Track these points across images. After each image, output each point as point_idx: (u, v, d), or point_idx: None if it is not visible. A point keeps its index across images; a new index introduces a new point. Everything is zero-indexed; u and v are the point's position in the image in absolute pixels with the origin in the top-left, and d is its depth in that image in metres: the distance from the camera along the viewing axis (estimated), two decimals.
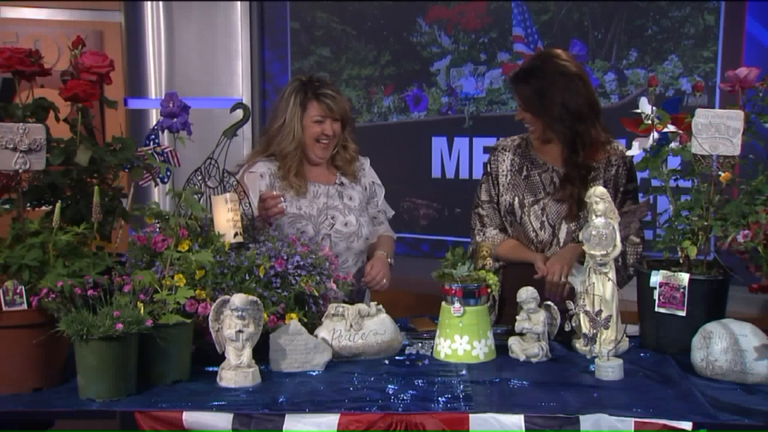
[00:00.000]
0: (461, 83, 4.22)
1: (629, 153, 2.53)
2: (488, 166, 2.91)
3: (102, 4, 4.62)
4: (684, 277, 2.26)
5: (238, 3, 4.58)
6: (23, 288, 1.98)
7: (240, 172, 2.90)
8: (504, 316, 2.71)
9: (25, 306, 1.98)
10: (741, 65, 2.45)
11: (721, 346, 2.09)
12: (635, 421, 1.83)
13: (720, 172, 2.26)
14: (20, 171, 2.05)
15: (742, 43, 3.50)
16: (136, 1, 4.60)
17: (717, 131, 2.24)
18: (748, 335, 2.09)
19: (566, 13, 3.91)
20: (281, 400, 1.95)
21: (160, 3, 4.60)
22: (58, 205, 2.09)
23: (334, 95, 2.87)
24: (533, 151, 2.86)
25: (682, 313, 2.25)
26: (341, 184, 2.97)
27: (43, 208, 2.31)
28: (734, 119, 2.23)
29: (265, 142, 2.95)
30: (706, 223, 2.28)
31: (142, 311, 1.99)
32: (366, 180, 3.05)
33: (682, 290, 2.25)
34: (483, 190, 2.89)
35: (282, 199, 2.68)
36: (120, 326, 1.90)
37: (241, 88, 4.59)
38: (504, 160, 2.86)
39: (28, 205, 2.31)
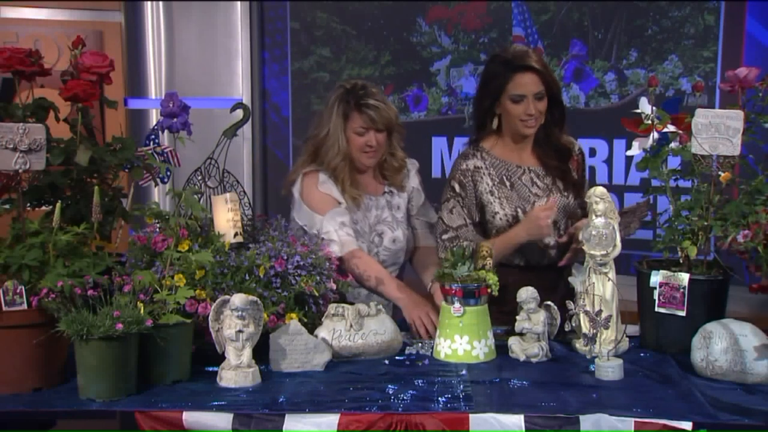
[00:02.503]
0: (461, 83, 4.22)
1: (629, 153, 2.53)
2: (461, 187, 2.73)
3: (102, 4, 4.62)
4: (684, 277, 2.26)
5: (238, 3, 4.57)
6: (23, 288, 1.98)
7: (310, 182, 2.78)
8: None
9: (25, 306, 1.98)
10: (741, 65, 2.45)
11: (721, 346, 2.09)
12: (635, 421, 1.83)
13: (720, 172, 2.26)
14: (20, 171, 2.05)
15: (742, 43, 3.50)
16: (136, 1, 4.60)
17: (717, 131, 2.24)
18: (748, 335, 2.09)
19: (566, 13, 3.91)
20: (281, 400, 1.95)
21: (160, 3, 4.60)
22: (58, 205, 2.09)
23: (378, 105, 2.75)
24: (499, 157, 2.77)
25: (682, 313, 2.25)
26: (390, 192, 2.91)
27: (43, 208, 2.32)
28: (734, 119, 2.23)
29: (312, 148, 2.85)
30: (706, 223, 2.28)
31: (142, 311, 1.99)
32: (410, 184, 2.97)
33: (682, 290, 2.25)
34: (454, 214, 2.72)
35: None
36: (120, 326, 1.90)
37: (241, 88, 4.59)
38: (483, 178, 2.72)
39: (28, 205, 2.31)
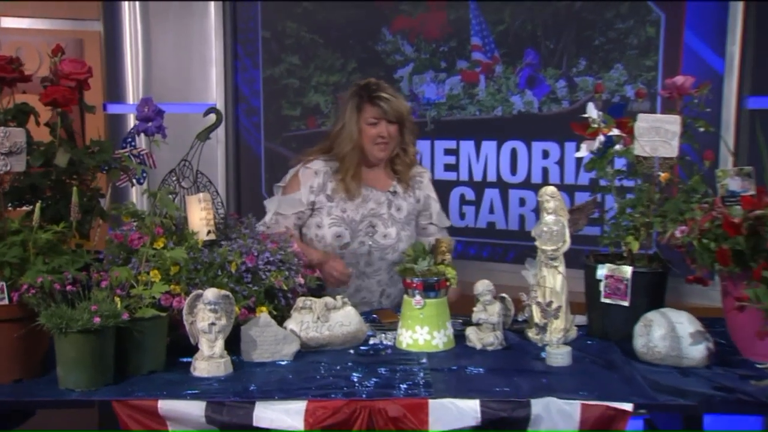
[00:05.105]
0: (423, 89, 4.22)
1: (578, 155, 2.55)
2: None
3: (81, 13, 4.54)
4: (627, 270, 2.29)
5: (212, 13, 4.53)
6: (4, 284, 1.96)
7: (297, 167, 2.89)
8: None
9: (6, 301, 1.96)
10: (679, 74, 2.48)
11: (659, 333, 2.12)
12: (581, 404, 1.85)
13: (660, 173, 2.30)
14: (1, 172, 2.03)
15: (681, 54, 3.55)
16: (114, 11, 4.55)
17: (657, 134, 2.27)
18: (684, 323, 2.13)
19: (520, 24, 3.94)
20: (252, 388, 1.95)
21: (138, 13, 4.55)
22: (38, 204, 2.07)
23: (389, 98, 2.79)
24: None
25: (626, 303, 2.28)
26: (394, 192, 2.90)
27: (24, 207, 2.29)
28: (672, 123, 2.27)
29: (328, 141, 2.91)
30: (647, 220, 2.32)
31: (119, 305, 1.97)
32: (421, 192, 2.97)
33: (625, 282, 2.28)
34: None
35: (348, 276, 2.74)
36: (98, 320, 1.88)
37: (215, 93, 4.55)
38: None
39: (9, 205, 2.28)
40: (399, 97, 2.85)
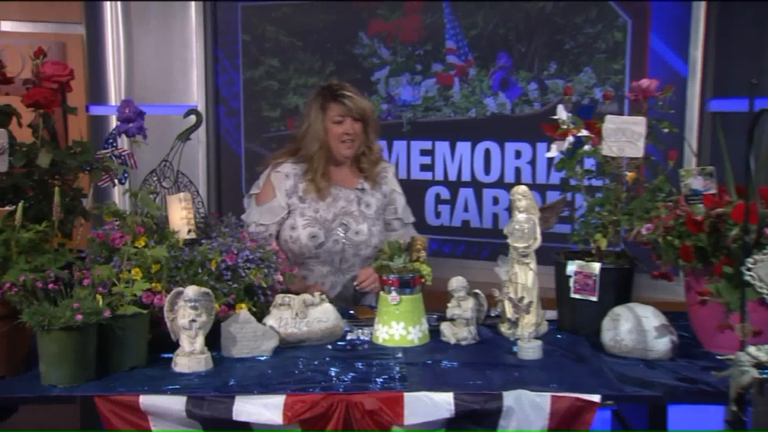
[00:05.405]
0: (399, 91, 4.24)
1: (548, 155, 2.57)
2: None
3: (64, 16, 4.51)
4: (596, 266, 2.31)
5: (193, 16, 4.51)
6: None
7: (267, 171, 2.88)
8: None
9: None
10: (646, 77, 2.51)
11: (626, 327, 2.15)
12: (551, 396, 1.87)
13: (627, 172, 2.32)
14: None
15: (647, 58, 3.59)
16: (96, 12, 4.51)
17: (624, 135, 2.30)
18: (649, 317, 2.15)
19: (493, 28, 3.96)
20: (231, 383, 1.94)
21: (120, 15, 4.52)
22: (20, 204, 2.05)
23: (352, 96, 2.81)
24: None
25: (594, 299, 2.30)
26: (362, 189, 2.91)
27: (7, 207, 2.26)
28: (638, 125, 2.29)
29: (294, 143, 2.91)
30: (615, 218, 2.34)
31: (100, 303, 1.96)
32: (387, 187, 2.97)
33: (594, 278, 2.30)
34: None
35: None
36: (80, 317, 1.87)
37: (195, 95, 4.52)
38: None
39: None
40: (361, 96, 2.88)
